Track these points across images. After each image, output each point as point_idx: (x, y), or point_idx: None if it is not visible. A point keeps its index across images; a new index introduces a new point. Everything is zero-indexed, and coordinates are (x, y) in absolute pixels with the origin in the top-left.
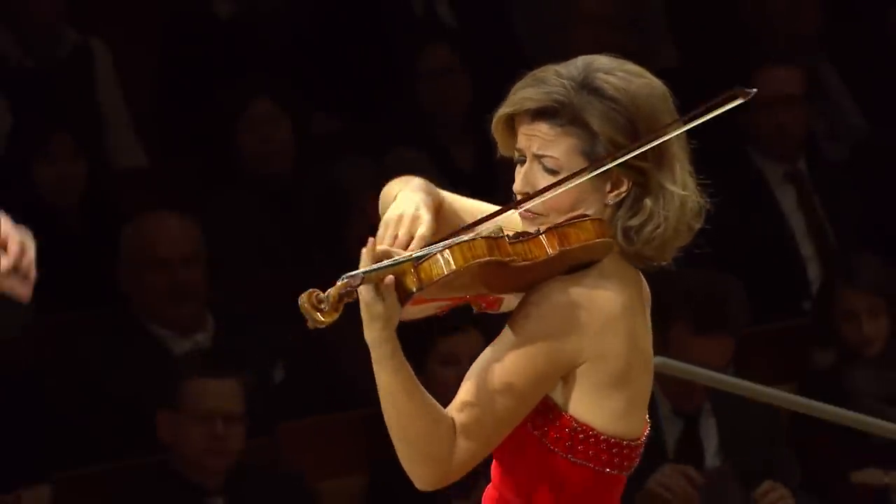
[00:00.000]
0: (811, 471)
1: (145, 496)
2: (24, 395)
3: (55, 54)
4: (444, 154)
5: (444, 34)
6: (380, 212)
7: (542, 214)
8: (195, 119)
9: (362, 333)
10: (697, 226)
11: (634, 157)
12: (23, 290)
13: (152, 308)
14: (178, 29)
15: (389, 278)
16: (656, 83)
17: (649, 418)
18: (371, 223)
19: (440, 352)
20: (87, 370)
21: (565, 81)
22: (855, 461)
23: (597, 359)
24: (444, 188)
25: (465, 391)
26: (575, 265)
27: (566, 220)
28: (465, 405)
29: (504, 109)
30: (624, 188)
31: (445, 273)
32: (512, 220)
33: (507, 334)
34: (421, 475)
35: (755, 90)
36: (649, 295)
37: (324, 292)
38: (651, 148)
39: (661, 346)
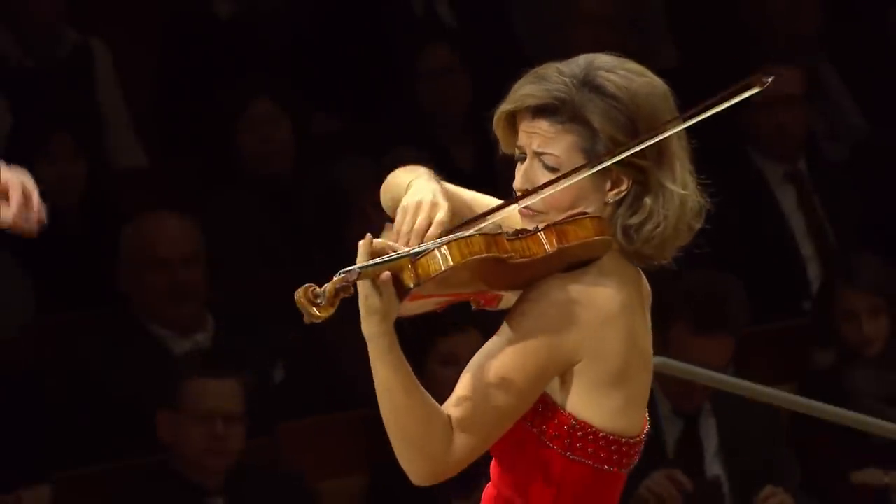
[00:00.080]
0: (811, 471)
1: (145, 496)
2: (24, 395)
3: (55, 54)
4: (444, 154)
5: (444, 34)
6: (383, 201)
7: (541, 212)
8: (195, 119)
9: (362, 333)
10: (698, 225)
11: (634, 155)
12: (31, 227)
13: (152, 308)
14: (178, 29)
15: (386, 274)
16: (657, 82)
17: (649, 418)
18: (371, 223)
19: (440, 352)
20: (87, 370)
21: (566, 79)
22: (855, 461)
23: (595, 356)
24: None
25: (462, 387)
26: (574, 263)
27: (565, 218)
28: (462, 401)
29: (505, 106)
30: (624, 187)
31: (443, 269)
32: (514, 220)
33: (504, 331)
34: (417, 470)
35: (772, 77)
36: (650, 294)
37: (320, 287)
38: (651, 147)
39: (661, 346)
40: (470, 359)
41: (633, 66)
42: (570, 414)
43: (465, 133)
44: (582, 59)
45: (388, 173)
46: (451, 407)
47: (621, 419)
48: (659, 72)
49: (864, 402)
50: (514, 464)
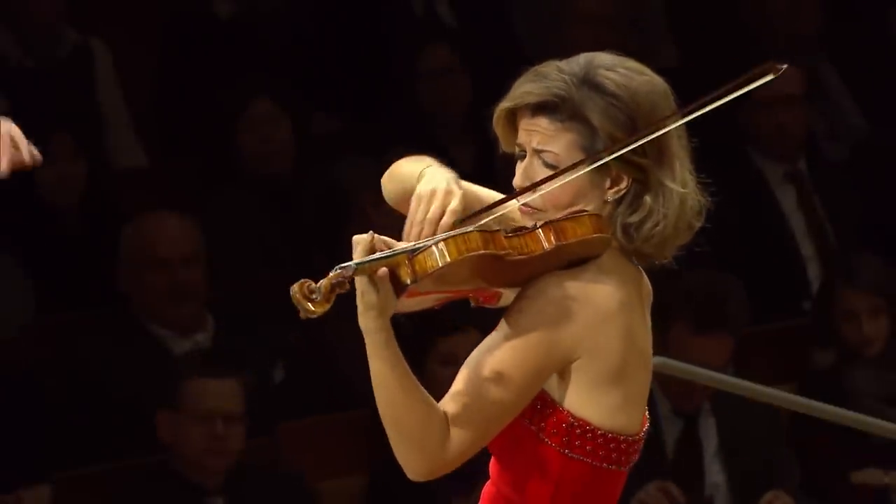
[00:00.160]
0: (811, 471)
1: (145, 496)
2: (24, 395)
3: (55, 54)
4: (444, 154)
5: (444, 34)
6: (386, 191)
7: (540, 210)
8: (195, 119)
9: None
10: (698, 224)
11: (634, 153)
12: (29, 163)
13: (152, 308)
14: (178, 29)
15: (383, 270)
16: (657, 80)
17: (649, 417)
18: (371, 223)
19: (440, 352)
20: (87, 370)
21: (566, 77)
22: (855, 461)
23: (592, 354)
24: None
25: (459, 382)
26: (573, 260)
27: (564, 216)
28: (458, 396)
29: (505, 103)
30: (623, 185)
31: (440, 265)
32: (514, 217)
33: (502, 327)
34: (413, 466)
35: (786, 65)
36: (650, 292)
37: (316, 283)
38: (651, 145)
39: (660, 346)
40: None
41: (633, 64)
42: (568, 411)
43: (465, 133)
44: (582, 58)
45: None
46: (448, 402)
47: (620, 417)
48: (659, 71)
49: (864, 402)
50: (513, 461)
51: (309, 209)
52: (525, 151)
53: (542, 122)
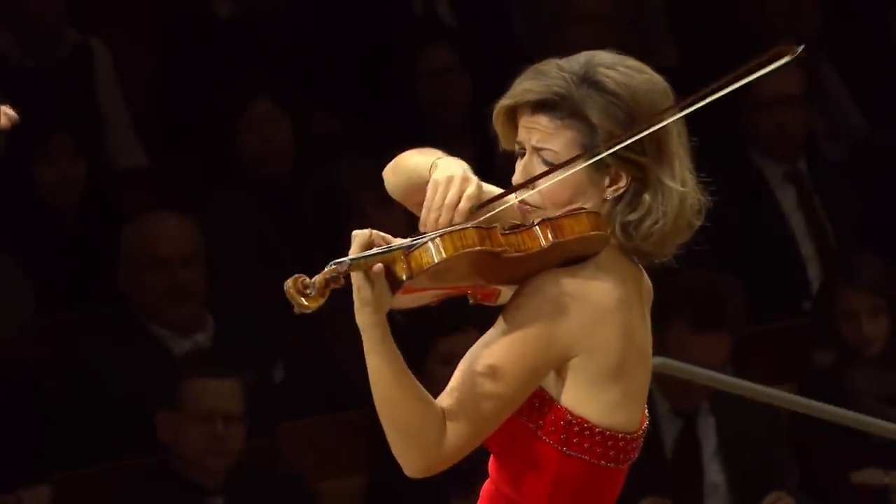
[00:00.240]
0: (811, 471)
1: (145, 496)
2: (24, 395)
3: (55, 54)
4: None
5: (444, 34)
6: (390, 182)
7: (539, 207)
8: (195, 119)
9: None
10: (698, 223)
11: (634, 151)
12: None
13: (152, 308)
14: (178, 29)
15: (378, 266)
16: (657, 79)
17: (648, 415)
18: (371, 223)
19: (440, 352)
20: (87, 370)
21: (566, 75)
22: (855, 461)
23: (590, 351)
24: None
25: (456, 379)
26: (570, 258)
27: (562, 213)
28: (455, 392)
29: (504, 101)
30: (622, 183)
31: (435, 261)
32: (512, 215)
33: (499, 324)
34: (410, 462)
35: (802, 46)
36: (651, 290)
37: (311, 278)
38: (650, 143)
39: (659, 345)
40: None
41: (633, 62)
42: (566, 409)
43: (465, 133)
44: (582, 56)
45: None
46: (445, 398)
47: (618, 414)
48: (659, 71)
49: (864, 402)
50: (511, 459)
51: (309, 209)
52: (525, 149)
53: (542, 120)
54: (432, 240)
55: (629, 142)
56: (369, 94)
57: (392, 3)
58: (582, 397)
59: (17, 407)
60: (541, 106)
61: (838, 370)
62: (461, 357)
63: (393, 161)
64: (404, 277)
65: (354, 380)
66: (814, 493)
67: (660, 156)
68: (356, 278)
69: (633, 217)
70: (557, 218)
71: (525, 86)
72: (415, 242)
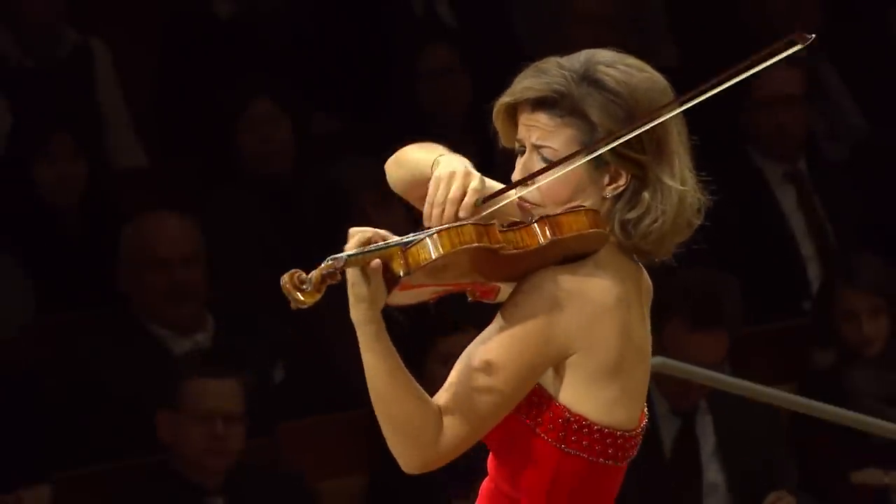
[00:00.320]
0: (811, 471)
1: (145, 496)
2: (24, 395)
3: (55, 54)
4: None
5: (444, 34)
6: (392, 176)
7: (538, 205)
8: (195, 119)
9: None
10: (697, 222)
11: (633, 149)
12: None
13: (152, 308)
14: (178, 29)
15: (376, 262)
16: (658, 78)
17: (647, 413)
18: (371, 223)
19: (440, 352)
20: (87, 370)
21: (566, 73)
22: (855, 461)
23: (588, 349)
24: None
25: (453, 375)
26: (569, 256)
27: (560, 211)
28: (452, 389)
29: (505, 98)
30: (622, 181)
31: (433, 258)
32: (512, 213)
33: (497, 321)
34: (406, 459)
35: (813, 36)
36: (650, 289)
37: (307, 273)
38: (650, 141)
39: (656, 343)
40: None
41: (633, 61)
42: (564, 406)
43: (465, 133)
44: (583, 54)
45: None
46: (442, 394)
47: (617, 412)
48: (659, 71)
49: (864, 402)
50: (510, 457)
51: (309, 209)
52: (525, 147)
53: (542, 118)
54: (430, 236)
55: (627, 138)
56: (369, 94)
57: (392, 3)
58: (580, 395)
59: (17, 407)
60: (541, 103)
61: (838, 370)
62: None
63: (395, 154)
64: (401, 274)
65: (354, 380)
66: (814, 492)
67: (659, 154)
68: (351, 274)
69: (632, 215)
70: (556, 215)
71: (525, 83)
72: (412, 239)
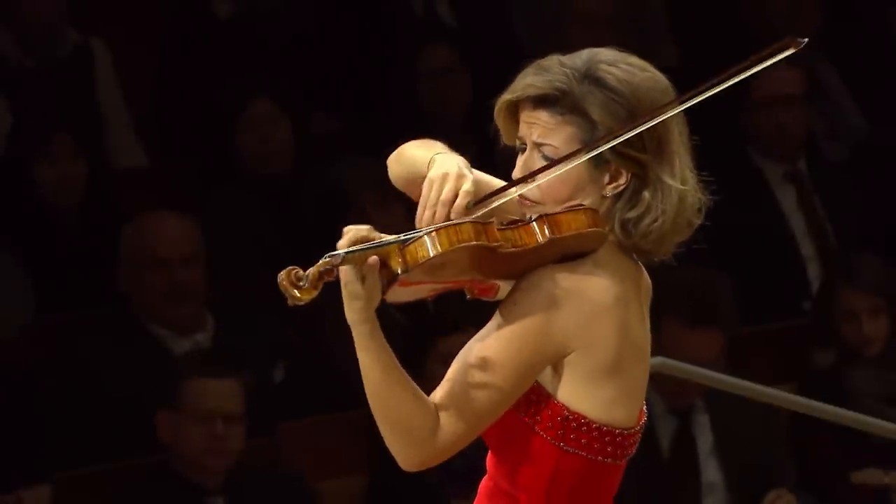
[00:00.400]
0: (811, 471)
1: (145, 496)
2: (24, 395)
3: (55, 54)
4: None
5: (444, 34)
6: (393, 172)
7: (538, 203)
8: (195, 119)
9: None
10: (697, 222)
11: (633, 148)
12: None
13: (152, 308)
14: (178, 29)
15: (373, 259)
16: (659, 77)
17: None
18: (371, 223)
19: (440, 352)
20: (87, 370)
21: (568, 70)
22: (855, 461)
23: (586, 347)
24: None
25: (451, 373)
26: (568, 254)
27: (559, 209)
28: (449, 386)
29: (506, 96)
30: (622, 180)
31: (431, 256)
32: (511, 211)
33: (495, 319)
34: (403, 456)
35: (806, 40)
36: (650, 288)
37: (304, 270)
38: (650, 140)
39: (653, 341)
40: None
41: (635, 60)
42: (563, 405)
43: (465, 133)
44: (585, 53)
45: (387, 173)
46: (439, 392)
47: (615, 411)
48: (659, 71)
49: (864, 402)
50: (509, 455)
51: (309, 209)
52: (526, 144)
53: (543, 116)
54: (428, 234)
55: (627, 136)
56: (369, 94)
57: (392, 3)
58: (579, 393)
59: (17, 407)
60: (542, 101)
61: (838, 370)
62: None
63: (396, 151)
64: (399, 271)
65: (354, 380)
66: (814, 492)
67: (660, 153)
68: (345, 273)
69: (632, 214)
70: (555, 214)
71: (527, 81)
72: (411, 236)
